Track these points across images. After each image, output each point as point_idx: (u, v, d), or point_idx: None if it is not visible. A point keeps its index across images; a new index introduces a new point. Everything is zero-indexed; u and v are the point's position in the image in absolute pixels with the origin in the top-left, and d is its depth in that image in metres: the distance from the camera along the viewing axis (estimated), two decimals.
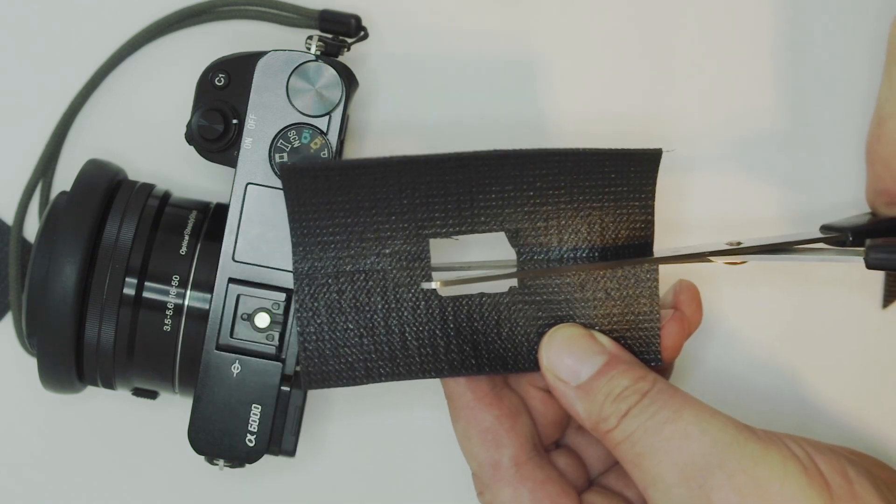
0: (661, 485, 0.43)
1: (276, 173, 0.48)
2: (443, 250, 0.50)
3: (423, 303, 0.46)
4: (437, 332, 0.46)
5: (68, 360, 0.48)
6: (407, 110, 0.55)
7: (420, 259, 0.46)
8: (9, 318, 0.55)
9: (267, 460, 0.49)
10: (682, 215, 0.56)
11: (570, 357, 0.45)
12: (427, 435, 0.56)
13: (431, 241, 0.46)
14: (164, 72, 0.55)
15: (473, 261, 0.49)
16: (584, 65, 0.56)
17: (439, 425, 0.54)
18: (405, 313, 0.46)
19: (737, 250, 0.47)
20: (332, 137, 0.48)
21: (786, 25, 0.56)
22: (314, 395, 0.54)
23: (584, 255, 0.47)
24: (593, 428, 0.45)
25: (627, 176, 0.46)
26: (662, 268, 0.47)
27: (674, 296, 0.49)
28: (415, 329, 0.46)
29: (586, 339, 0.46)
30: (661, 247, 0.48)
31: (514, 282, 0.47)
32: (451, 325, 0.46)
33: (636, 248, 0.47)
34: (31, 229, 0.55)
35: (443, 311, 0.46)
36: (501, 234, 0.47)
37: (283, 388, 0.48)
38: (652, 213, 0.47)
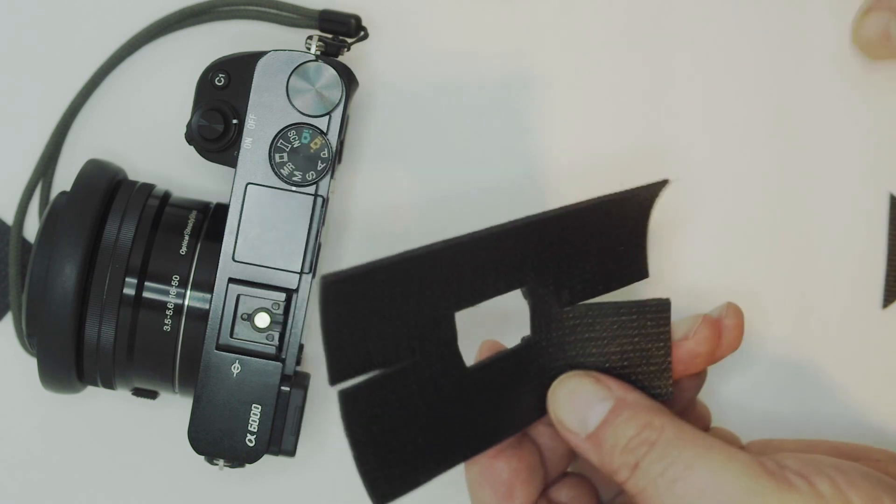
0: None
1: (276, 173, 0.48)
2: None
3: (458, 384, 0.43)
4: (473, 409, 0.44)
5: (68, 360, 0.48)
6: (407, 110, 0.55)
7: (451, 343, 0.43)
8: (9, 318, 0.55)
9: (267, 460, 0.49)
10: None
11: (575, 407, 0.44)
12: None
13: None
14: (164, 72, 0.55)
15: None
16: (584, 62, 0.56)
17: None
18: (444, 399, 0.43)
19: None
20: (332, 137, 0.48)
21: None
22: (314, 395, 0.54)
23: (590, 294, 0.46)
24: (611, 478, 0.43)
25: (625, 216, 0.46)
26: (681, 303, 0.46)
27: (718, 315, 0.47)
28: (450, 411, 0.43)
29: (591, 385, 0.44)
30: (660, 279, 0.48)
31: (526, 331, 0.45)
32: (477, 399, 0.44)
33: (632, 270, 0.47)
34: (31, 229, 0.55)
35: (470, 386, 0.44)
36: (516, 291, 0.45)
37: (283, 388, 0.48)
38: (646, 239, 0.47)
